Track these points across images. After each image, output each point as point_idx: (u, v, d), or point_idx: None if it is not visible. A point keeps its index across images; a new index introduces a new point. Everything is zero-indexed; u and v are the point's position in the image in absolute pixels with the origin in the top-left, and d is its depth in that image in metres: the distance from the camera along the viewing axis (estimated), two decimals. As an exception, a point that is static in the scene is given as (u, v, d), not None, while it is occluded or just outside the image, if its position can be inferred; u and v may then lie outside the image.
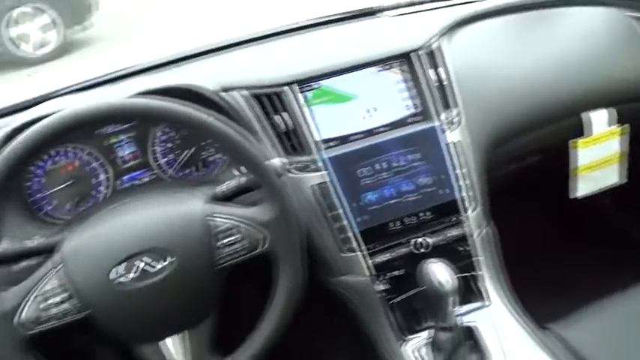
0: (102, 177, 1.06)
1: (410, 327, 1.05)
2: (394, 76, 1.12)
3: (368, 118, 1.10)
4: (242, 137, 0.80)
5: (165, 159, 1.08)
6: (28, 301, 0.75)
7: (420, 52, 1.12)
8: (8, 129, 0.93)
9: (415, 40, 1.14)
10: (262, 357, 0.86)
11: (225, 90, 1.06)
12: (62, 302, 0.76)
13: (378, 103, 1.11)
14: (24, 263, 0.92)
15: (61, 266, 0.78)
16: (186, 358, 0.83)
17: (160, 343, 0.83)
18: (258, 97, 1.06)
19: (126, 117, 0.77)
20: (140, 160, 1.08)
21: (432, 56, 1.14)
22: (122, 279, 0.77)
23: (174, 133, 1.09)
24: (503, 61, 1.26)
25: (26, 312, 0.75)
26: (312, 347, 1.49)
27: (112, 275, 0.76)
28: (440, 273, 0.90)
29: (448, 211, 1.09)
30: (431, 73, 1.12)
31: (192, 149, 1.09)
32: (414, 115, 1.12)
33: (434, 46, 1.15)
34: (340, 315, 1.13)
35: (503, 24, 1.32)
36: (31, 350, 0.76)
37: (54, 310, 0.76)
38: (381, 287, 1.05)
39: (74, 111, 0.74)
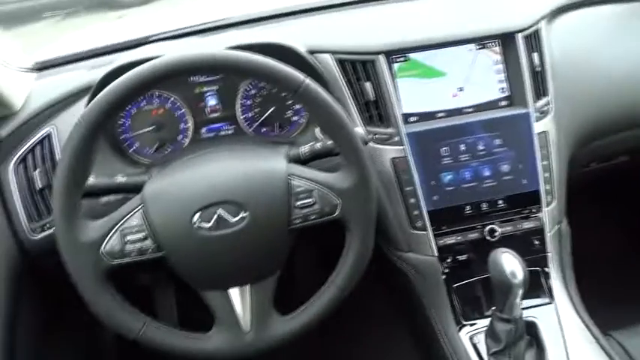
0: (185, 125, 1.09)
1: (468, 313, 1.04)
2: (490, 57, 1.09)
3: (456, 96, 1.08)
4: (336, 103, 0.80)
5: (250, 114, 1.10)
6: (113, 233, 0.79)
7: (522, 34, 1.08)
8: (111, 67, 0.97)
9: (518, 21, 1.09)
10: (319, 321, 0.87)
11: (313, 52, 1.06)
12: (143, 240, 0.80)
13: (468, 82, 1.08)
14: (109, 198, 0.97)
15: (142, 206, 0.81)
16: (245, 310, 0.85)
17: (225, 292, 0.86)
18: (345, 63, 1.05)
19: (227, 69, 0.77)
20: (225, 112, 1.10)
21: (531, 40, 1.09)
22: (202, 225, 0.79)
23: (258, 90, 1.10)
24: (602, 53, 1.20)
25: (111, 243, 0.79)
26: (367, 320, 1.52)
27: (191, 221, 0.79)
28: (512, 263, 0.89)
29: (525, 202, 1.06)
30: (529, 58, 1.08)
31: (274, 107, 1.11)
32: (505, 99, 1.08)
33: (535, 29, 1.10)
34: (399, 291, 1.13)
35: (606, 14, 1.24)
36: (108, 282, 0.81)
37: (135, 246, 0.79)
38: (446, 269, 1.04)
39: (180, 57, 0.75)
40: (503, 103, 1.09)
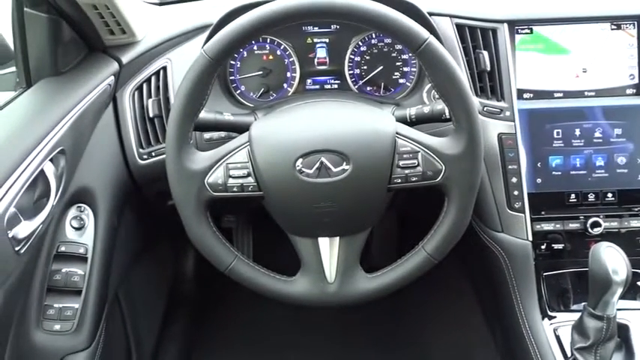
0: (293, 73, 1.10)
1: (555, 304, 1.01)
2: (623, 39, 1.01)
3: (579, 77, 1.01)
4: (457, 66, 0.77)
5: (357, 70, 1.09)
6: (219, 166, 0.82)
7: None
8: (232, 7, 0.99)
9: None
10: (403, 284, 0.87)
11: (432, 14, 1.03)
12: (245, 176, 0.82)
13: (594, 63, 1.01)
14: (212, 135, 1.00)
15: (247, 145, 0.83)
16: (332, 261, 0.86)
17: (315, 240, 0.86)
18: (463, 29, 1.01)
19: (353, 16, 0.75)
20: (332, 66, 1.10)
21: None
22: (302, 170, 0.80)
23: (369, 48, 1.09)
24: None
25: (215, 175, 0.82)
26: (441, 293, 1.50)
27: (294, 165, 0.80)
28: (616, 260, 0.84)
29: (637, 199, 0.99)
30: (670, 44, 0.99)
31: (382, 67, 1.09)
32: (633, 86, 1.01)
33: None
34: (484, 270, 1.10)
35: None
36: (207, 212, 0.83)
37: (237, 181, 0.81)
38: (539, 256, 1.00)
39: (303, 1, 0.75)
40: (630, 90, 1.01)
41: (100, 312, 0.98)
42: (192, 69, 0.78)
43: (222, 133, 1.00)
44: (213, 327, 1.58)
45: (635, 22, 1.01)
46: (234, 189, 0.82)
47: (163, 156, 0.85)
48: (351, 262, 0.86)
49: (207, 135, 1.01)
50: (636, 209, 0.99)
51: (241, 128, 0.90)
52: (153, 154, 1.03)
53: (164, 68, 1.05)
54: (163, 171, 0.82)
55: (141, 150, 1.03)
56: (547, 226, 1.00)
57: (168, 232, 1.39)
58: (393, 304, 1.37)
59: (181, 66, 1.02)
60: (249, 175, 0.82)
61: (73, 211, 0.95)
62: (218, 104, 1.03)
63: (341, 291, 0.86)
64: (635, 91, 1.02)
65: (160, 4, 1.22)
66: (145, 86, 1.05)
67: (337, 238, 0.85)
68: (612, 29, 1.01)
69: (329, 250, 0.85)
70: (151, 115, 1.03)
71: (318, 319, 1.51)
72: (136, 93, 1.05)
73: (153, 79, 1.05)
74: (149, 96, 1.04)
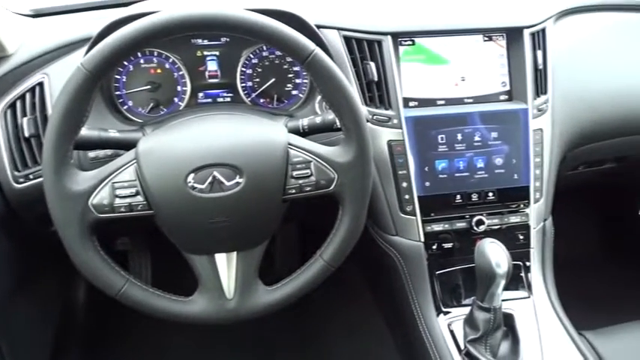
0: (183, 87, 1.07)
1: (448, 300, 1.06)
2: (495, 50, 1.09)
3: (458, 85, 1.08)
4: (344, 76, 0.79)
5: (249, 83, 1.09)
6: (104, 185, 0.77)
7: (528, 31, 1.08)
8: (114, 18, 0.94)
9: (528, 17, 1.10)
10: (302, 294, 0.87)
11: (320, 27, 1.05)
12: (133, 195, 0.78)
13: (471, 73, 1.08)
14: (97, 153, 0.95)
15: (134, 162, 0.79)
16: (230, 277, 0.85)
17: (211, 257, 0.84)
18: (351, 41, 1.04)
19: (239, 29, 0.75)
20: (224, 79, 1.08)
21: (536, 37, 1.10)
22: (196, 185, 0.78)
23: (260, 60, 1.09)
24: (602, 59, 1.21)
25: (100, 196, 0.77)
26: (345, 301, 1.53)
27: (185, 180, 0.78)
28: (498, 254, 0.90)
29: (514, 196, 1.07)
30: (532, 55, 1.08)
31: (275, 79, 1.09)
32: (505, 93, 1.09)
33: (542, 27, 1.10)
34: (381, 273, 1.14)
35: (613, 21, 1.25)
36: (93, 235, 0.79)
37: (124, 201, 0.78)
38: (430, 256, 1.05)
39: (191, 11, 0.73)
40: (503, 97, 1.10)
41: None
42: (69, 84, 0.73)
43: (109, 151, 0.95)
44: (111, 357, 1.49)
45: (505, 34, 1.09)
46: (122, 209, 0.78)
47: (42, 178, 0.79)
48: (250, 276, 0.85)
49: (92, 154, 0.96)
50: (514, 206, 1.07)
51: (129, 145, 0.86)
52: (30, 176, 0.96)
53: (40, 84, 0.98)
54: (43, 194, 0.76)
55: (16, 173, 0.96)
56: (437, 227, 1.05)
57: (53, 259, 1.30)
58: (294, 315, 1.38)
59: (60, 81, 0.94)
60: (137, 193, 0.78)
61: None
62: (103, 121, 0.98)
63: (241, 306, 0.84)
64: (507, 97, 1.10)
65: (35, 15, 1.14)
66: (18, 104, 0.97)
67: (234, 253, 0.84)
68: (485, 41, 1.08)
69: (226, 265, 0.84)
70: (26, 134, 0.96)
71: (221, 333, 1.49)
72: (9, 111, 0.97)
73: (28, 95, 0.98)
74: (24, 114, 0.97)
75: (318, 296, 1.16)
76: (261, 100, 1.10)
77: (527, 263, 1.09)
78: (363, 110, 0.82)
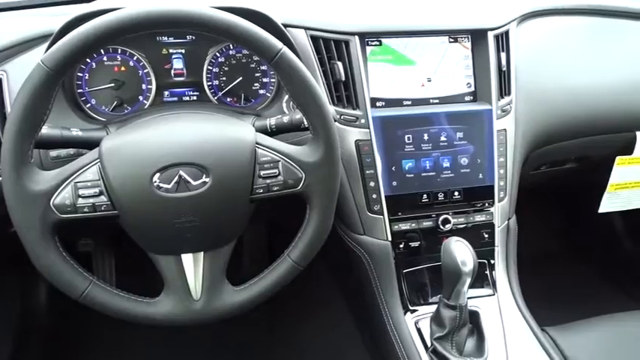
0: (148, 86, 1.05)
1: (415, 298, 1.07)
2: (461, 51, 1.10)
3: (424, 86, 1.09)
4: (311, 76, 0.79)
5: (216, 82, 1.08)
6: (66, 185, 0.75)
7: (492, 33, 1.10)
8: (76, 14, 0.92)
9: (493, 19, 1.11)
10: (270, 295, 0.87)
11: (287, 26, 1.05)
12: (96, 195, 0.76)
13: (437, 73, 1.10)
14: (59, 152, 0.93)
15: (98, 161, 0.77)
16: (197, 277, 0.84)
17: (178, 257, 0.83)
18: (318, 41, 1.04)
19: (204, 26, 0.74)
20: (190, 77, 1.07)
21: (500, 39, 1.12)
22: (158, 186, 0.77)
23: (227, 58, 1.08)
24: (564, 62, 1.24)
25: (62, 196, 0.75)
26: (314, 300, 1.53)
27: (150, 180, 0.76)
28: (464, 252, 0.91)
29: (479, 195, 1.09)
30: (496, 57, 1.10)
31: (242, 78, 1.09)
32: (470, 94, 1.11)
33: (505, 29, 1.13)
34: (349, 273, 1.14)
35: (575, 24, 1.29)
36: (55, 236, 0.77)
37: (87, 201, 0.76)
38: (398, 255, 1.06)
39: (155, 7, 0.72)
40: (468, 97, 1.11)
41: None
42: (29, 81, 0.71)
43: (72, 150, 0.92)
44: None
45: (469, 36, 1.11)
46: (85, 209, 0.76)
47: (0, 178, 0.77)
48: (217, 277, 0.84)
49: (53, 153, 0.93)
50: (479, 205, 1.09)
51: (91, 144, 0.84)
52: None
53: None
54: (2, 195, 0.74)
55: None
56: (404, 226, 1.06)
57: (13, 260, 1.26)
58: (266, 310, 1.37)
59: (19, 79, 0.91)
60: (101, 193, 0.77)
61: None
62: (66, 119, 0.96)
63: (208, 307, 0.83)
64: (472, 98, 1.12)
65: (-9, 11, 1.10)
66: None
67: (201, 253, 0.83)
68: (450, 42, 1.10)
69: (193, 266, 0.83)
70: None
71: (190, 332, 1.47)
72: None
73: None
74: None
75: (290, 295, 1.16)
76: (228, 99, 1.09)
77: (492, 261, 1.11)
78: (331, 110, 0.82)
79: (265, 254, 1.61)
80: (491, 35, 1.10)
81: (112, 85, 1.04)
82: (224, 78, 1.08)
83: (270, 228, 1.61)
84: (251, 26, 0.76)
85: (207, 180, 0.78)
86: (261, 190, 0.82)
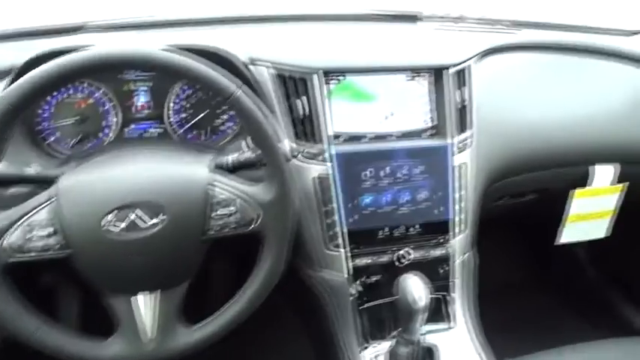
0: (111, 120, 1.06)
1: (373, 334, 1.07)
2: (420, 88, 1.12)
3: (383, 122, 1.10)
4: (264, 115, 0.81)
5: (178, 117, 1.09)
6: (18, 226, 0.76)
7: (452, 70, 1.12)
8: (36, 53, 0.93)
9: (451, 56, 1.14)
10: (224, 334, 0.87)
11: (253, 62, 1.06)
12: (47, 236, 0.76)
13: (396, 109, 1.11)
14: (17, 190, 0.92)
15: (53, 200, 0.78)
16: (153, 318, 0.83)
17: (130, 298, 0.83)
18: (282, 77, 1.06)
19: (159, 69, 0.76)
20: (153, 112, 1.08)
21: (460, 76, 1.14)
22: (112, 227, 0.77)
23: (191, 94, 1.09)
24: (524, 96, 1.27)
25: (12, 237, 0.75)
26: (274, 336, 1.52)
27: (103, 221, 0.77)
28: (417, 288, 0.92)
29: (437, 229, 1.10)
30: (457, 92, 1.13)
31: (205, 113, 1.10)
32: (430, 129, 1.12)
33: (465, 66, 1.15)
34: (307, 309, 1.14)
35: (532, 60, 1.32)
36: (6, 278, 0.76)
37: (38, 243, 0.76)
38: (355, 290, 1.06)
39: (113, 51, 0.73)
40: (428, 133, 1.13)
41: None
42: None
43: (29, 187, 0.92)
44: None
45: (430, 72, 1.13)
46: (35, 252, 0.76)
47: None
48: (171, 317, 0.85)
49: (11, 190, 0.93)
50: (436, 239, 1.10)
51: (49, 182, 0.84)
52: None
53: None
54: None
55: None
56: (362, 262, 1.07)
57: None
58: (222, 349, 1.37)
59: None
60: (55, 233, 0.77)
61: None
62: (23, 156, 0.96)
63: (160, 347, 0.84)
64: (434, 132, 1.13)
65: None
66: None
67: (154, 294, 0.83)
68: (412, 78, 1.12)
69: (146, 307, 0.83)
70: None
71: None
72: None
73: None
74: None
75: (249, 328, 1.15)
76: (191, 135, 1.10)
77: (448, 296, 1.12)
78: (282, 148, 0.84)
79: (230, 289, 1.60)
80: (451, 72, 1.12)
81: (77, 119, 1.04)
82: (188, 112, 1.09)
83: (239, 260, 1.60)
84: (205, 69, 0.77)
85: (157, 221, 0.78)
86: (213, 232, 0.82)
